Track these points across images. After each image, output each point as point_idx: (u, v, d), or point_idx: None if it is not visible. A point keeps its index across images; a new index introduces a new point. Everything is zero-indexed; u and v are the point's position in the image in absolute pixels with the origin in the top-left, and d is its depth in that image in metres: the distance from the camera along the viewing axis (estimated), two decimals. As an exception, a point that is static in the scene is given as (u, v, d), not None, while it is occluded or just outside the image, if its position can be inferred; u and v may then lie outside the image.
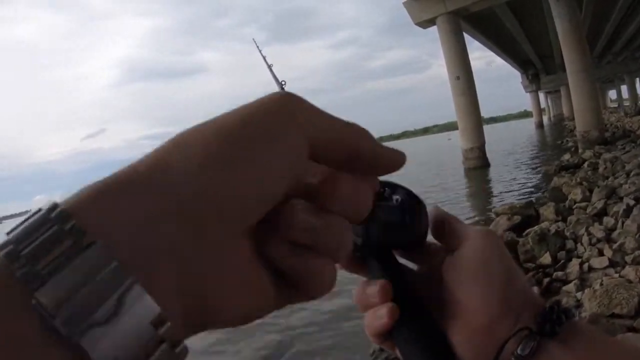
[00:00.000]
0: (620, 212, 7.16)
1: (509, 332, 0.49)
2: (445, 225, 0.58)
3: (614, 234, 6.61)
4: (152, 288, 0.24)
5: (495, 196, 14.70)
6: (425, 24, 23.68)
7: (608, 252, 6.02)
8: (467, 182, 20.54)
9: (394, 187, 0.58)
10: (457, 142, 26.41)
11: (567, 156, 17.58)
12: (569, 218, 7.95)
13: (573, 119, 26.67)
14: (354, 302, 0.56)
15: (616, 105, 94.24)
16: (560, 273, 5.97)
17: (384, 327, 0.52)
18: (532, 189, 14.47)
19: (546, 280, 5.87)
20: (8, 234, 0.24)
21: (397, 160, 0.40)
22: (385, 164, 0.39)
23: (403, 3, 23.59)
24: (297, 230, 0.33)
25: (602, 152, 15.50)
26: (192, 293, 0.26)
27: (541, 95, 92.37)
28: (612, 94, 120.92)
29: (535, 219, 8.86)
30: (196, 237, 0.26)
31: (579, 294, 5.05)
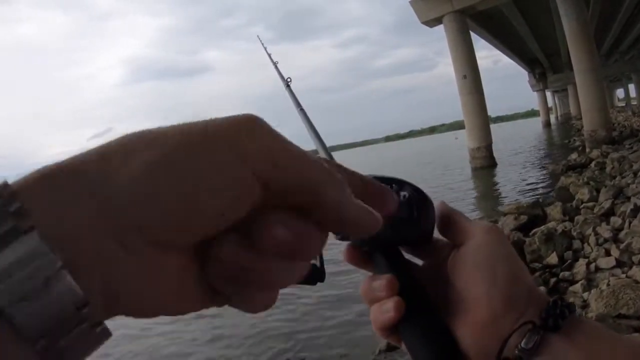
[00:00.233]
0: (628, 212, 7.13)
1: (513, 327, 0.50)
2: (450, 221, 0.59)
3: (621, 234, 6.59)
4: (77, 275, 0.26)
5: (502, 196, 14.65)
6: (432, 22, 23.60)
7: (615, 253, 6.00)
8: (474, 181, 20.45)
9: (401, 184, 0.60)
10: (464, 141, 26.32)
11: (574, 155, 17.52)
12: (576, 218, 7.92)
13: (580, 118, 26.51)
14: (360, 296, 0.57)
15: (623, 105, 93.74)
16: (567, 273, 5.96)
17: (390, 321, 0.53)
18: (539, 189, 14.41)
19: (553, 280, 5.88)
20: None
21: (368, 224, 0.36)
22: (352, 223, 0.35)
23: (410, 2, 23.51)
24: (227, 265, 0.31)
25: (609, 152, 15.42)
26: (108, 287, 0.27)
27: (548, 94, 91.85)
28: (619, 92, 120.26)
29: (542, 218, 8.82)
30: (119, 241, 0.27)
31: (585, 294, 5.05)
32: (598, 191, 9.36)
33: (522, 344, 0.49)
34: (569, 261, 6.33)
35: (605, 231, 6.73)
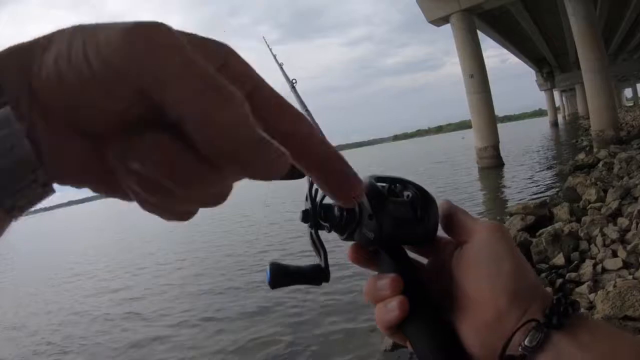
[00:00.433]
0: (635, 212, 7.08)
1: (517, 324, 0.50)
2: (454, 219, 0.59)
3: (629, 235, 6.56)
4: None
5: (509, 196, 14.60)
6: (439, 21, 23.52)
7: (622, 254, 5.96)
8: (481, 181, 20.41)
9: (405, 184, 0.61)
10: (471, 141, 26.26)
11: (581, 155, 17.41)
12: (583, 218, 7.87)
13: (588, 117, 26.39)
14: (364, 295, 0.58)
15: (632, 104, 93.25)
16: (573, 274, 5.93)
17: (395, 320, 0.54)
18: (546, 189, 14.35)
19: (559, 281, 5.85)
20: None
21: (261, 160, 0.29)
22: (235, 152, 0.28)
23: (417, 1, 23.46)
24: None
25: (617, 152, 15.30)
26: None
27: (556, 94, 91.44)
28: (627, 92, 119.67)
29: (549, 219, 8.79)
30: (44, 118, 0.29)
31: (591, 296, 5.03)
32: (605, 192, 9.32)
33: (526, 342, 0.49)
34: (575, 262, 6.30)
35: (612, 232, 6.70)
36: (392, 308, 0.54)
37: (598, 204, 8.79)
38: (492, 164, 22.71)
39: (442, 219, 0.60)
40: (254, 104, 0.30)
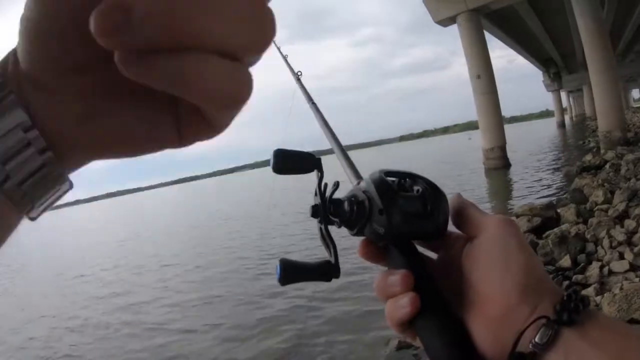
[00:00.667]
0: (642, 214, 7.07)
1: (527, 321, 0.49)
2: (464, 213, 0.59)
3: (635, 237, 6.53)
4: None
5: (516, 197, 14.55)
6: (446, 22, 23.46)
7: (629, 256, 5.94)
8: (488, 182, 20.35)
9: (415, 178, 0.61)
10: (477, 141, 26.20)
11: (588, 157, 17.34)
12: (589, 220, 7.83)
13: (595, 118, 26.29)
14: (375, 291, 0.57)
15: (639, 105, 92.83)
16: (580, 276, 5.91)
17: (406, 317, 0.53)
18: (553, 190, 14.30)
19: (565, 283, 5.83)
20: None
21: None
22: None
23: (423, 1, 23.40)
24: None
25: (624, 153, 15.24)
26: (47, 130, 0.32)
27: (563, 95, 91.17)
28: (635, 93, 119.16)
29: (555, 220, 8.75)
30: (35, 86, 0.31)
31: (598, 298, 5.00)
32: (612, 193, 9.28)
33: (536, 339, 0.48)
34: (582, 264, 6.28)
35: (619, 234, 6.66)
36: (403, 305, 0.53)
37: (605, 206, 8.75)
38: (499, 165, 22.65)
39: (453, 213, 0.60)
40: None
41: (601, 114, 20.21)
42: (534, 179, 17.49)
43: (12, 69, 0.32)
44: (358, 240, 0.61)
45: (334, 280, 0.59)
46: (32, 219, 0.35)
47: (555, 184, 15.68)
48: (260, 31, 0.29)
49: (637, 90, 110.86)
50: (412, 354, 5.09)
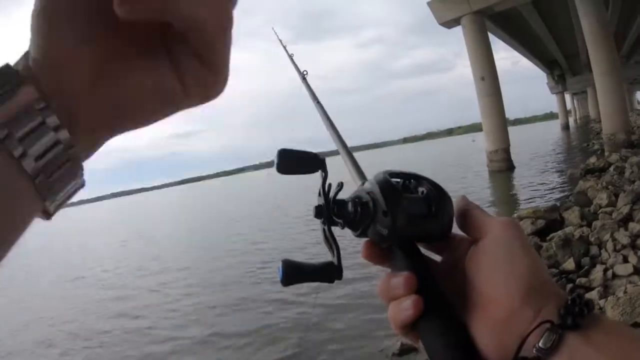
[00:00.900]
0: (646, 217, 7.04)
1: (531, 325, 0.49)
2: (469, 215, 0.58)
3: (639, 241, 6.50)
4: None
5: (520, 199, 14.56)
6: (450, 23, 23.49)
7: (633, 259, 5.92)
8: (492, 184, 20.33)
9: (419, 179, 0.61)
10: (481, 144, 26.18)
11: (593, 159, 17.28)
12: (593, 223, 7.81)
13: (599, 121, 26.24)
14: (378, 294, 0.57)
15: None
16: (583, 279, 5.90)
17: (409, 319, 0.53)
18: (557, 193, 14.29)
19: (569, 286, 5.81)
20: None
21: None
22: None
23: (427, 3, 23.43)
24: None
25: (628, 156, 15.21)
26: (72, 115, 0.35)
27: (567, 97, 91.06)
28: (639, 95, 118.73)
29: (559, 223, 8.74)
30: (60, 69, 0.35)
31: (602, 302, 4.98)
32: (617, 196, 9.24)
33: (540, 344, 0.48)
34: (586, 267, 6.27)
35: (623, 237, 6.64)
36: (406, 307, 0.53)
37: (609, 209, 8.73)
38: (503, 167, 22.64)
39: (457, 215, 0.59)
40: None
41: (605, 116, 20.18)
42: (538, 182, 17.47)
43: (25, 64, 0.35)
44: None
45: (337, 282, 0.59)
46: (48, 216, 0.37)
47: (559, 186, 15.66)
48: None
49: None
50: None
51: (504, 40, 40.46)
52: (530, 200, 13.59)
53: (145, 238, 23.55)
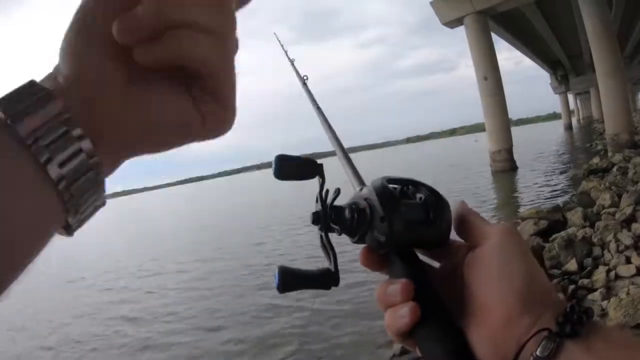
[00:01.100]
0: (650, 218, 7.02)
1: (528, 332, 0.49)
2: (467, 222, 0.58)
3: (642, 242, 6.48)
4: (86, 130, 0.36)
5: (522, 200, 14.54)
6: (453, 23, 23.47)
7: (636, 260, 5.91)
8: (494, 185, 20.32)
9: (417, 185, 0.60)
10: (484, 144, 26.16)
11: (596, 160, 17.26)
12: (596, 224, 7.80)
13: (603, 121, 26.20)
14: (376, 300, 0.57)
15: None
16: (586, 280, 5.88)
17: (406, 327, 0.53)
18: (560, 193, 14.27)
19: (571, 287, 5.80)
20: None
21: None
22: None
23: (430, 2, 23.41)
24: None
25: (632, 156, 15.17)
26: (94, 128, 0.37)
27: (570, 97, 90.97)
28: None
29: (562, 224, 8.73)
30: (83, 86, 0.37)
31: (604, 303, 4.97)
32: (620, 196, 9.21)
33: (538, 352, 0.47)
34: (588, 268, 6.24)
35: (626, 238, 6.63)
36: (402, 315, 0.53)
37: (612, 209, 8.69)
38: (506, 168, 22.63)
39: (455, 221, 0.59)
40: None
41: (608, 117, 20.15)
42: (541, 182, 17.46)
43: (54, 81, 0.37)
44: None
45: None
46: (70, 232, 0.39)
47: (562, 187, 15.64)
48: (221, 15, 0.38)
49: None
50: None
51: (507, 40, 40.45)
52: (532, 201, 13.58)
53: (146, 237, 23.55)
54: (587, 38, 20.49)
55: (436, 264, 0.62)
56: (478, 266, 0.54)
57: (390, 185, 0.59)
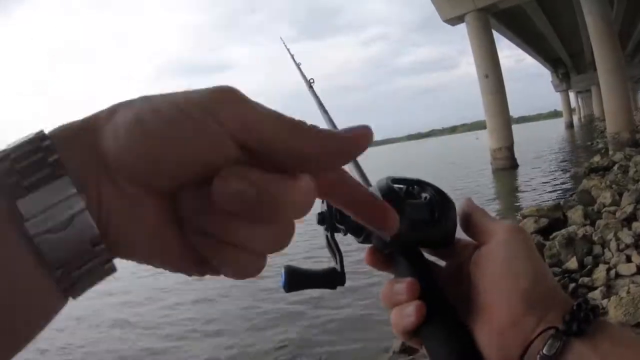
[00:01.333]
0: (651, 217, 7.02)
1: (535, 332, 0.49)
2: (473, 219, 0.59)
3: (643, 240, 6.47)
4: (92, 216, 0.31)
5: (523, 198, 14.53)
6: (454, 21, 23.44)
7: (636, 259, 5.90)
8: (495, 182, 20.31)
9: (423, 185, 0.61)
10: (485, 141, 26.14)
11: (596, 158, 17.25)
12: (597, 222, 7.78)
13: (604, 119, 26.19)
14: (382, 299, 0.57)
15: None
16: (586, 279, 5.87)
17: (411, 325, 0.53)
18: (561, 191, 14.25)
19: (572, 285, 5.79)
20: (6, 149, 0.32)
21: (343, 151, 0.37)
22: (325, 158, 0.36)
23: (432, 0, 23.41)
24: (190, 222, 0.35)
25: (633, 155, 15.12)
26: (105, 225, 0.32)
27: (571, 95, 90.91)
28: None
29: (562, 222, 8.72)
30: (111, 182, 0.32)
31: (604, 302, 4.96)
32: (620, 195, 9.18)
33: (544, 351, 0.47)
34: (588, 266, 6.22)
35: (626, 236, 6.61)
36: (408, 313, 0.53)
37: (613, 208, 8.67)
38: (507, 165, 22.61)
39: (461, 219, 0.59)
40: None
41: (609, 115, 20.14)
42: (542, 180, 17.44)
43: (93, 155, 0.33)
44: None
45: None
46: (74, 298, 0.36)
47: (563, 185, 15.63)
48: (278, 247, 0.37)
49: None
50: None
51: (508, 38, 40.46)
52: (533, 199, 13.56)
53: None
54: (588, 36, 20.51)
55: (442, 263, 0.62)
56: (484, 265, 0.54)
57: (396, 185, 0.59)
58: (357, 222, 0.58)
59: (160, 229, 0.35)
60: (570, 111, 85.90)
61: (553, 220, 8.73)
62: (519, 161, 23.29)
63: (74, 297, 0.33)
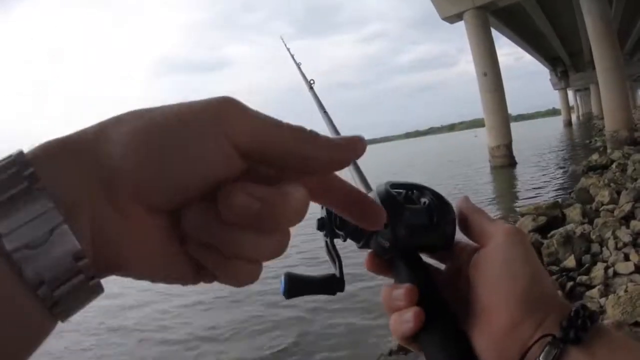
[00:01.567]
0: (649, 215, 7.02)
1: (532, 337, 0.48)
2: (471, 221, 0.58)
3: (641, 239, 6.48)
4: (74, 230, 0.30)
5: (521, 196, 14.54)
6: (453, 18, 23.39)
7: (634, 257, 5.90)
8: (493, 180, 20.33)
9: (421, 190, 0.61)
10: (483, 139, 26.14)
11: (595, 156, 17.24)
12: (595, 220, 7.79)
13: (602, 118, 26.19)
14: (383, 304, 0.57)
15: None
16: (584, 277, 5.87)
17: (410, 332, 0.53)
18: (559, 189, 14.25)
19: (570, 284, 5.79)
20: None
21: (341, 157, 0.39)
22: (324, 163, 0.39)
23: (430, -2, 23.38)
24: (195, 235, 0.35)
25: (631, 153, 15.14)
26: (99, 243, 0.32)
27: (570, 93, 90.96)
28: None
29: (560, 220, 8.72)
30: (109, 202, 0.32)
31: (602, 300, 4.97)
32: (619, 193, 9.19)
33: (541, 358, 0.47)
34: (586, 265, 6.23)
35: (624, 235, 6.62)
36: (407, 319, 0.53)
37: (611, 206, 8.68)
38: (505, 163, 22.63)
39: (459, 219, 0.59)
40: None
41: (608, 113, 20.12)
42: (540, 178, 17.46)
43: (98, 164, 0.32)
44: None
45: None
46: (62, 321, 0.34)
47: (561, 183, 15.64)
48: (277, 254, 0.38)
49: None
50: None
51: (507, 36, 40.44)
52: (531, 197, 13.57)
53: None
54: (587, 34, 20.47)
55: (442, 266, 0.62)
56: (482, 268, 0.54)
57: (395, 190, 0.60)
58: (357, 227, 0.59)
59: (161, 245, 0.35)
60: (569, 109, 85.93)
61: (551, 218, 8.74)
62: (517, 159, 23.30)
63: (62, 318, 0.32)
